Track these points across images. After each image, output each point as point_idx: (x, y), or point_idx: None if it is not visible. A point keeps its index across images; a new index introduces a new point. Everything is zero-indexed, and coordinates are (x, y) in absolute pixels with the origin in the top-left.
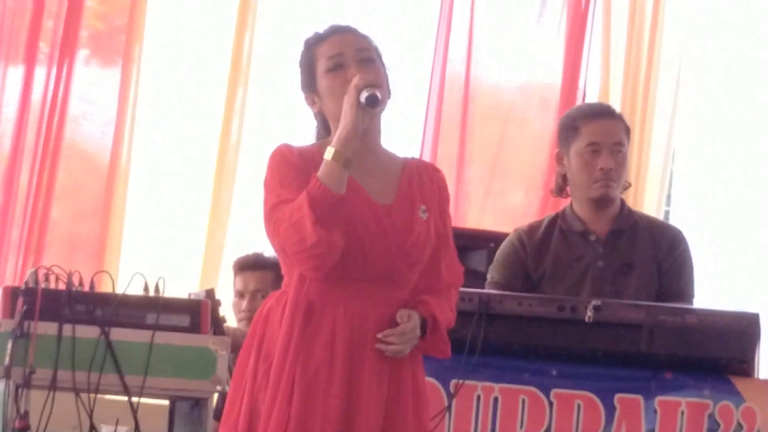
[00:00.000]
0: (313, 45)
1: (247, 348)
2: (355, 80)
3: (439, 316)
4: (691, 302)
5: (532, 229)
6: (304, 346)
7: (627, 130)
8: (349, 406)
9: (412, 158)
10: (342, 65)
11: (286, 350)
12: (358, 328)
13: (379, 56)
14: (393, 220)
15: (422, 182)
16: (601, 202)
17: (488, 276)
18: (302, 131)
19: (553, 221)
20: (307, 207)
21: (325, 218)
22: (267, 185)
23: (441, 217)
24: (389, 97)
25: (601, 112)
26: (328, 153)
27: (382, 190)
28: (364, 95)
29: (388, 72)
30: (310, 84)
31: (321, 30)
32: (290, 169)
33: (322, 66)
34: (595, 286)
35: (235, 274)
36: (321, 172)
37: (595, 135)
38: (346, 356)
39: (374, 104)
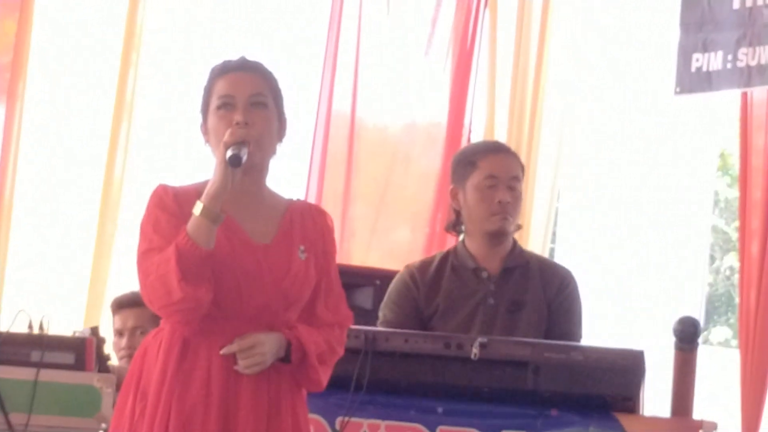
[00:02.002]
0: (214, 77)
1: (126, 386)
2: (226, 136)
3: (306, 341)
4: (578, 342)
5: (424, 265)
6: (180, 383)
7: (522, 168)
8: None
9: (298, 200)
10: (231, 106)
11: (161, 388)
12: (234, 366)
13: (276, 99)
14: (270, 259)
15: (304, 223)
16: (496, 236)
17: (380, 314)
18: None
19: (445, 258)
20: (174, 262)
21: (192, 274)
22: (142, 228)
23: (324, 259)
24: (283, 136)
25: (499, 148)
26: (197, 208)
27: (261, 230)
28: (228, 154)
29: (284, 115)
30: (204, 114)
31: (229, 60)
32: (164, 213)
33: (213, 102)
34: (485, 324)
35: (114, 312)
36: (189, 226)
37: (493, 168)
38: (222, 394)
39: (235, 165)
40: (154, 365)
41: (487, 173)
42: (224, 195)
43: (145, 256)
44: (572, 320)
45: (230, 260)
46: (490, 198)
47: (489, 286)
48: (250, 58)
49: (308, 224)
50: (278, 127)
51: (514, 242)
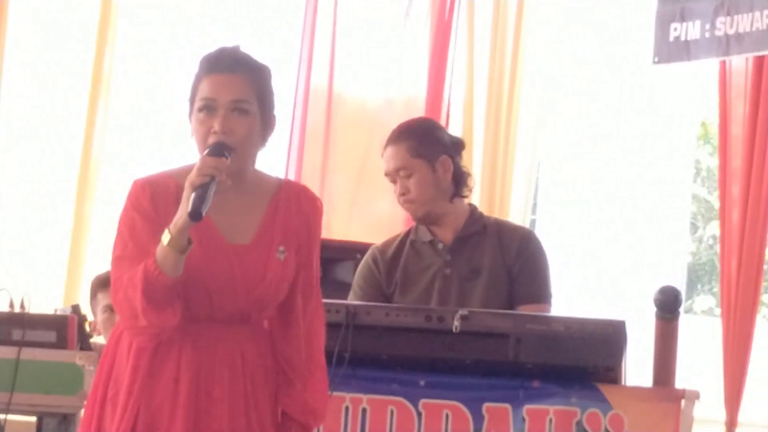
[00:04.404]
0: (201, 72)
1: (100, 370)
2: (193, 173)
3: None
4: (548, 303)
5: (385, 245)
6: (149, 383)
7: (415, 148)
8: None
9: (288, 183)
10: (212, 110)
11: (132, 387)
12: (206, 364)
13: (262, 100)
14: (244, 263)
15: (289, 214)
16: (421, 221)
17: (351, 292)
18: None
19: (406, 234)
20: (140, 290)
21: (158, 300)
22: (119, 226)
23: (308, 248)
24: (269, 135)
25: (387, 141)
26: (165, 238)
27: (240, 229)
28: (189, 208)
29: (270, 114)
30: (191, 106)
31: (222, 50)
32: (140, 217)
33: (197, 102)
34: (442, 294)
35: (102, 290)
36: (158, 254)
37: (384, 167)
38: (191, 393)
39: (195, 219)
40: (126, 355)
41: (384, 171)
42: (191, 226)
43: (118, 263)
44: (537, 282)
45: (202, 266)
46: (396, 193)
47: (445, 257)
48: (242, 50)
49: (292, 215)
50: (262, 129)
51: (472, 210)
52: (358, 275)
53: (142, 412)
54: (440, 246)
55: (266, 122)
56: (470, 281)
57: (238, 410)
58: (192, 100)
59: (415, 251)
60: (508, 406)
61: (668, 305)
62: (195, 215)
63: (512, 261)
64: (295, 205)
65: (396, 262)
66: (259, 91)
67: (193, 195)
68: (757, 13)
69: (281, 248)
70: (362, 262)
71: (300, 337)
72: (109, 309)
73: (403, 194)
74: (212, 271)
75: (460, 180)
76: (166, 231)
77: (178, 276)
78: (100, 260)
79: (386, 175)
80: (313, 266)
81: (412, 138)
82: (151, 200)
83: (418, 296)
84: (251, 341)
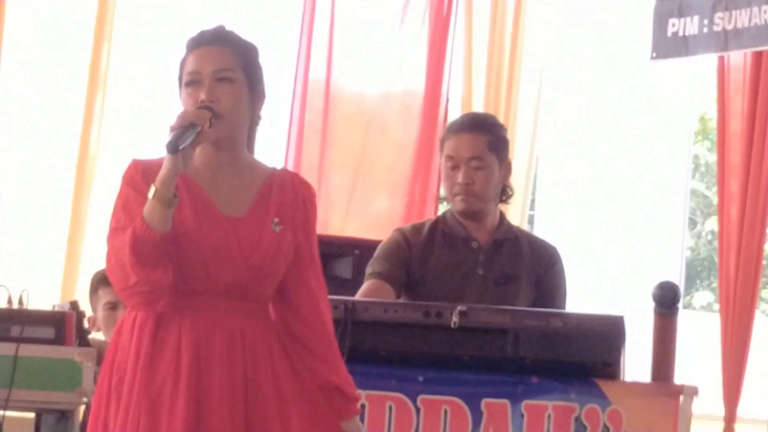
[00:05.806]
0: (187, 51)
1: (104, 364)
2: (175, 120)
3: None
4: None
5: (415, 229)
6: (151, 367)
7: (494, 143)
8: (198, 419)
9: (282, 170)
10: (198, 82)
11: (135, 368)
12: (205, 340)
13: (248, 70)
14: (239, 234)
15: (283, 194)
16: (466, 215)
17: (367, 271)
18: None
19: (435, 225)
20: (128, 247)
21: (146, 257)
22: (114, 204)
23: (305, 233)
24: (258, 107)
25: (462, 126)
26: (151, 192)
27: (235, 203)
28: (169, 136)
29: (258, 85)
30: (179, 85)
31: (205, 30)
32: (132, 191)
33: (184, 78)
34: (476, 294)
35: (100, 287)
36: (145, 210)
37: (451, 149)
38: (192, 370)
39: (171, 151)
40: (129, 340)
41: (446, 154)
42: (176, 178)
43: (112, 235)
44: (558, 296)
45: (197, 235)
46: (452, 179)
47: (479, 257)
48: (227, 27)
49: (287, 195)
50: (250, 98)
51: (502, 216)
52: (382, 251)
53: (145, 396)
54: (475, 245)
55: (254, 93)
56: (503, 285)
57: (237, 389)
58: (180, 79)
59: (448, 243)
60: (506, 401)
61: (667, 301)
62: (171, 146)
63: (541, 273)
64: (290, 186)
65: (429, 250)
66: (244, 61)
67: (171, 134)
68: (755, 9)
69: (276, 220)
70: (388, 239)
71: (320, 314)
72: (110, 306)
73: (467, 184)
74: (208, 240)
75: (507, 186)
76: (152, 186)
77: (166, 231)
78: (97, 256)
79: (450, 158)
80: (314, 246)
81: (492, 132)
82: (144, 176)
83: (449, 292)
84: (251, 319)
